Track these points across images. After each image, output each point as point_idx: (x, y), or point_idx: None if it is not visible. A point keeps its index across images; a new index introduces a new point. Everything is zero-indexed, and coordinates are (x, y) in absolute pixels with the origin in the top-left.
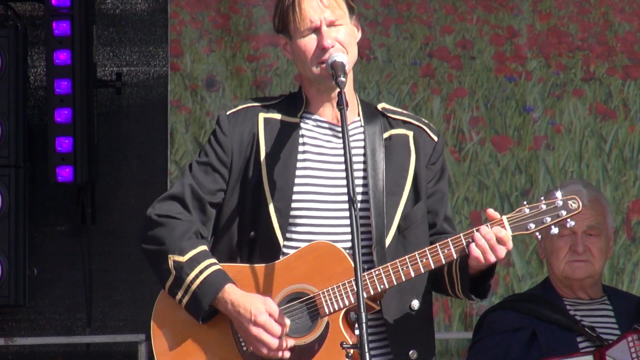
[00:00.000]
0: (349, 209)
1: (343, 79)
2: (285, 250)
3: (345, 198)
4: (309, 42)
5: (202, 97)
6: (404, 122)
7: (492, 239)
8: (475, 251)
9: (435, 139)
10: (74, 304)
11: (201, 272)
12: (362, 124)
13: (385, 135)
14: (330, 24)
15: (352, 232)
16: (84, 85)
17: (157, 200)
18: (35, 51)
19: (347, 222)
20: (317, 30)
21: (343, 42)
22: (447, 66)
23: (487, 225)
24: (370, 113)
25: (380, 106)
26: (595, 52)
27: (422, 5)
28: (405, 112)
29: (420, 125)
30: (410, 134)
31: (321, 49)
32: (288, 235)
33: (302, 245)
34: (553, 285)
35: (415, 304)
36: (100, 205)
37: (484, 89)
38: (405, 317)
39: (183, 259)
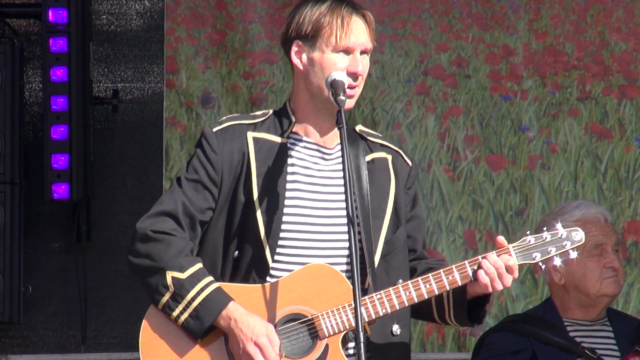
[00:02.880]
0: (348, 230)
1: (343, 98)
2: (272, 272)
3: (334, 221)
4: (341, 61)
5: (198, 114)
6: (382, 145)
7: (501, 268)
8: (484, 279)
9: (410, 163)
10: (67, 321)
11: (202, 289)
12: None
13: (368, 158)
14: (363, 52)
15: (351, 254)
16: (80, 102)
17: (149, 216)
18: (31, 67)
19: (336, 244)
20: (349, 53)
21: (364, 73)
22: (442, 84)
23: (494, 253)
24: (351, 136)
25: (357, 128)
26: (591, 71)
27: (417, 22)
28: (379, 135)
29: (396, 149)
30: (389, 157)
31: (352, 74)
32: (276, 257)
33: (291, 266)
34: (556, 306)
35: (396, 328)
36: (95, 222)
37: (479, 107)
38: (387, 341)
39: (183, 275)
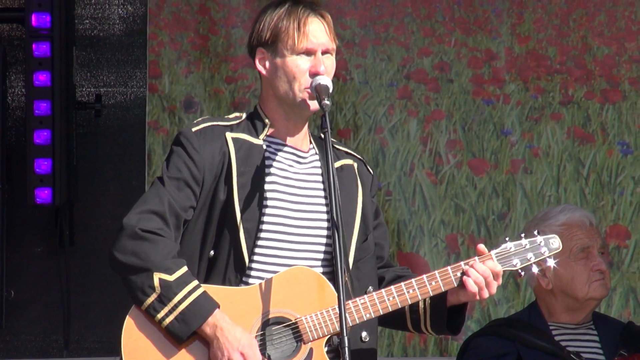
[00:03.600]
0: (332, 234)
1: (328, 102)
2: (249, 272)
3: (309, 224)
4: (301, 64)
5: (180, 118)
6: (347, 152)
7: (490, 277)
8: (472, 287)
9: (372, 172)
10: (50, 326)
11: (190, 293)
12: (317, 152)
13: (337, 164)
14: (325, 52)
15: (334, 257)
16: (63, 106)
17: (137, 213)
18: (14, 72)
19: (312, 247)
20: (311, 54)
21: (330, 72)
22: (425, 88)
23: (477, 260)
24: (319, 143)
25: (323, 135)
26: (573, 75)
27: (399, 26)
28: (341, 143)
29: (360, 157)
30: (355, 165)
31: (314, 74)
32: (254, 257)
33: (268, 267)
34: (541, 310)
35: (365, 335)
36: (77, 226)
37: (462, 111)
38: (356, 347)
39: (170, 278)
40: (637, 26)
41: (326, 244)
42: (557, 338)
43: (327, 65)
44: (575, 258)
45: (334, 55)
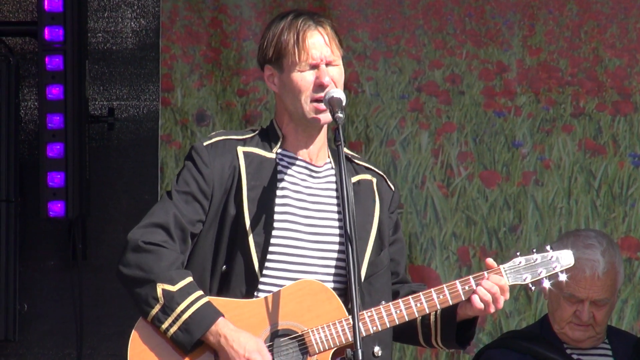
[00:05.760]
0: (346, 247)
1: (341, 115)
2: (261, 286)
3: (321, 238)
4: (307, 78)
5: (192, 131)
6: (367, 168)
7: (497, 292)
8: (479, 304)
9: (393, 188)
10: (63, 339)
11: (192, 303)
12: (333, 166)
13: (354, 179)
14: (329, 64)
15: (348, 271)
16: (76, 120)
17: (141, 227)
18: (27, 85)
19: (324, 262)
20: (314, 67)
21: (337, 82)
22: (436, 101)
23: (486, 276)
24: (337, 157)
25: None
26: (585, 87)
27: (411, 39)
28: (363, 158)
29: (380, 173)
30: (374, 180)
31: (318, 86)
32: (265, 271)
33: (279, 281)
34: (551, 324)
35: (377, 350)
36: (90, 240)
37: (473, 123)
38: None
39: (174, 288)
40: None
41: (337, 259)
42: (568, 351)
43: (334, 76)
44: (564, 296)
45: (341, 63)
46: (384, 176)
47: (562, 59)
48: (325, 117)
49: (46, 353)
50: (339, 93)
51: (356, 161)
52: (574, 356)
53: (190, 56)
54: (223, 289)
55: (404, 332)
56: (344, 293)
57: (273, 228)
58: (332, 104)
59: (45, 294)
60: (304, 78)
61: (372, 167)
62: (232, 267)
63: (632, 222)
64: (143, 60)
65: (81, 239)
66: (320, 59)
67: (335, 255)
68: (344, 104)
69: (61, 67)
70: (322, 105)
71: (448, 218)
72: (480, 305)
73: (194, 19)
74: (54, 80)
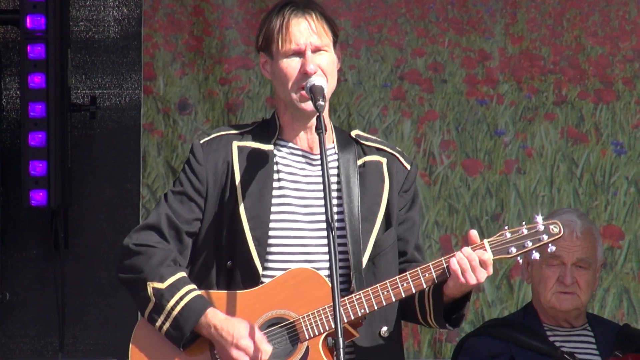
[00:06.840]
0: (327, 234)
1: (322, 103)
2: (263, 279)
3: (321, 226)
4: (292, 65)
5: (175, 120)
6: (378, 149)
7: (475, 260)
8: (454, 266)
9: (408, 167)
10: (45, 329)
11: (182, 298)
12: (337, 151)
13: (360, 162)
14: (315, 50)
15: (329, 257)
16: (58, 109)
17: (134, 230)
18: (8, 74)
19: (324, 249)
20: (301, 54)
21: (325, 69)
22: (418, 89)
23: (469, 247)
24: (345, 140)
25: (354, 133)
26: (567, 75)
27: (393, 27)
28: (379, 139)
29: (394, 152)
30: (384, 160)
31: (303, 74)
32: (266, 264)
33: (280, 273)
34: (536, 310)
35: (385, 330)
36: (72, 229)
37: (455, 112)
38: (375, 343)
39: (162, 285)
40: (630, 26)
41: (339, 244)
42: (551, 339)
43: (321, 63)
44: (547, 263)
45: (332, 50)
46: (397, 156)
47: (545, 47)
48: (309, 105)
49: (28, 342)
50: (320, 81)
51: (366, 142)
52: (557, 343)
53: (172, 45)
54: (231, 285)
55: (407, 311)
56: (347, 279)
57: (270, 221)
58: (314, 92)
59: (27, 282)
60: (289, 65)
61: (385, 148)
62: (235, 262)
63: (614, 211)
64: (125, 49)
65: (63, 227)
66: (305, 44)
67: (337, 241)
68: (325, 91)
69: (43, 56)
70: (304, 92)
71: (430, 206)
72: (455, 267)
73: (176, 7)
74: (36, 69)
